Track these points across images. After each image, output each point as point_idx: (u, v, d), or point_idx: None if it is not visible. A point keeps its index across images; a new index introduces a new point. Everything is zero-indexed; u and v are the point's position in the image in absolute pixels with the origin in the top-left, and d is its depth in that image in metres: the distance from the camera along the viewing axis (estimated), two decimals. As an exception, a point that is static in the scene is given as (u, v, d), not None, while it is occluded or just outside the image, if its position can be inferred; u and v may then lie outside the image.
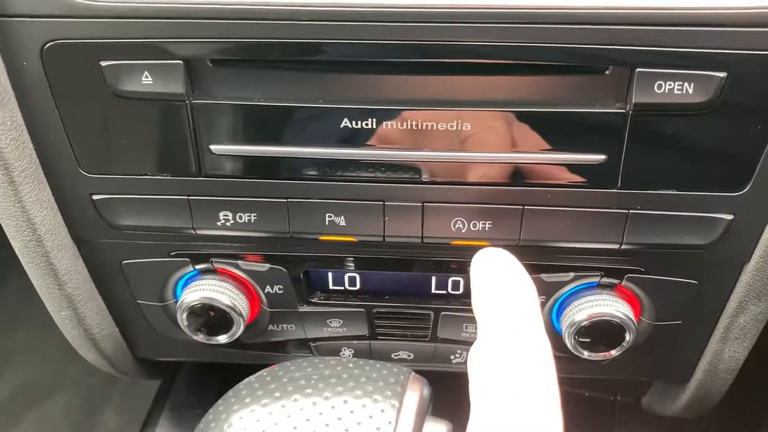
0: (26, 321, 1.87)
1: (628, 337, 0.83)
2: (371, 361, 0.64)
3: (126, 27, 0.69)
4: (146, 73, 0.71)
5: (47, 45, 0.71)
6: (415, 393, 0.61)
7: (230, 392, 0.64)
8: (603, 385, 1.15)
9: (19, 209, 0.79)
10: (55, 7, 0.69)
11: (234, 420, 0.61)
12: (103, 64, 0.71)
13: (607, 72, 0.70)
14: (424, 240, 0.80)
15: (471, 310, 0.88)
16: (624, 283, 0.84)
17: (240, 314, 0.86)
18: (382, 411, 0.59)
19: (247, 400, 0.62)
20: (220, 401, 0.64)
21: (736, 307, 0.84)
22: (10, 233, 0.82)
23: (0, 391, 1.81)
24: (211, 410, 0.64)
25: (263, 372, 0.65)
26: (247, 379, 0.65)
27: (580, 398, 1.13)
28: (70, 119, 0.76)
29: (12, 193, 0.78)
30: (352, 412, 0.59)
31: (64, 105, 0.75)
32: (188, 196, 0.80)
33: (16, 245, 0.83)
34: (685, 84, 0.69)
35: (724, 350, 0.89)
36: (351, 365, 0.64)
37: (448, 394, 0.71)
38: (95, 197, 0.81)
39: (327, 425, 0.58)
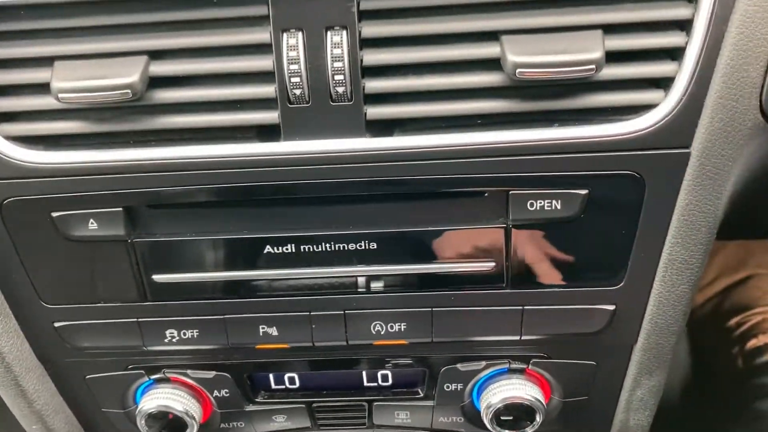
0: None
1: (539, 416, 0.93)
2: None
3: (70, 184, 0.81)
4: (91, 219, 0.82)
5: (5, 202, 0.82)
6: None
7: None
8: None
9: None
10: (9, 171, 0.80)
11: None
12: (54, 215, 0.82)
13: (486, 195, 0.81)
14: (349, 343, 0.90)
15: (401, 399, 0.99)
16: (531, 367, 0.94)
17: (193, 417, 0.95)
18: None
19: None
20: None
21: (632, 382, 0.94)
22: None
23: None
24: None
25: None
26: None
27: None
28: (30, 261, 0.86)
29: None
30: None
31: (24, 250, 0.85)
32: (137, 318, 0.90)
33: None
34: (554, 201, 0.80)
35: (629, 419, 0.98)
36: None
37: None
38: (56, 324, 0.91)
39: None
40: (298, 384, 0.99)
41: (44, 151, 0.80)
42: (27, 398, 0.96)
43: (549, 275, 0.85)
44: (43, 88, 0.77)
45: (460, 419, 0.99)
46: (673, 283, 0.86)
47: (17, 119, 0.80)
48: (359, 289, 0.87)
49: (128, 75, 0.74)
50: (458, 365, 0.94)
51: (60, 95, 0.74)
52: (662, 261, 0.83)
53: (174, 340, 0.91)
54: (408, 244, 0.84)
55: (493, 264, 0.84)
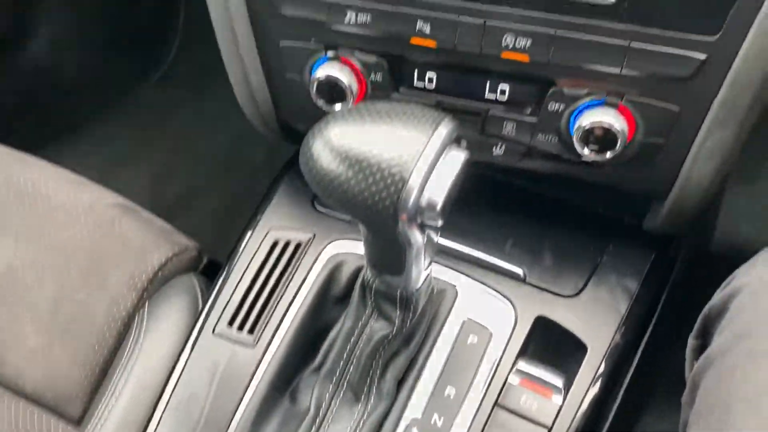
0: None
1: (619, 143, 1.14)
2: (424, 107, 1.00)
3: None
4: None
5: None
6: (446, 128, 0.97)
7: (325, 117, 1.02)
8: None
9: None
10: None
11: (326, 132, 0.98)
12: None
13: None
14: (482, 50, 1.14)
15: (512, 112, 1.23)
16: (624, 102, 1.14)
17: (352, 92, 1.25)
18: (422, 133, 0.95)
19: (336, 121, 0.99)
20: (315, 125, 1.01)
21: (705, 132, 1.13)
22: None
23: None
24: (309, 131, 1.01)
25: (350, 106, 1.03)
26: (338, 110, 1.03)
27: (587, 214, 1.46)
28: None
29: None
30: (402, 129, 0.96)
31: None
32: None
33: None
34: None
35: (694, 168, 1.18)
36: (411, 107, 1.01)
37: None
38: None
39: (384, 134, 0.95)
40: (434, 84, 1.25)
41: None
42: (236, 41, 1.29)
43: (656, 15, 1.04)
44: None
45: (555, 139, 1.23)
46: (764, 43, 1.01)
47: None
48: (498, 6, 1.10)
49: None
50: (564, 89, 1.16)
51: None
52: (759, 16, 0.99)
53: (351, 21, 1.18)
54: None
55: None
